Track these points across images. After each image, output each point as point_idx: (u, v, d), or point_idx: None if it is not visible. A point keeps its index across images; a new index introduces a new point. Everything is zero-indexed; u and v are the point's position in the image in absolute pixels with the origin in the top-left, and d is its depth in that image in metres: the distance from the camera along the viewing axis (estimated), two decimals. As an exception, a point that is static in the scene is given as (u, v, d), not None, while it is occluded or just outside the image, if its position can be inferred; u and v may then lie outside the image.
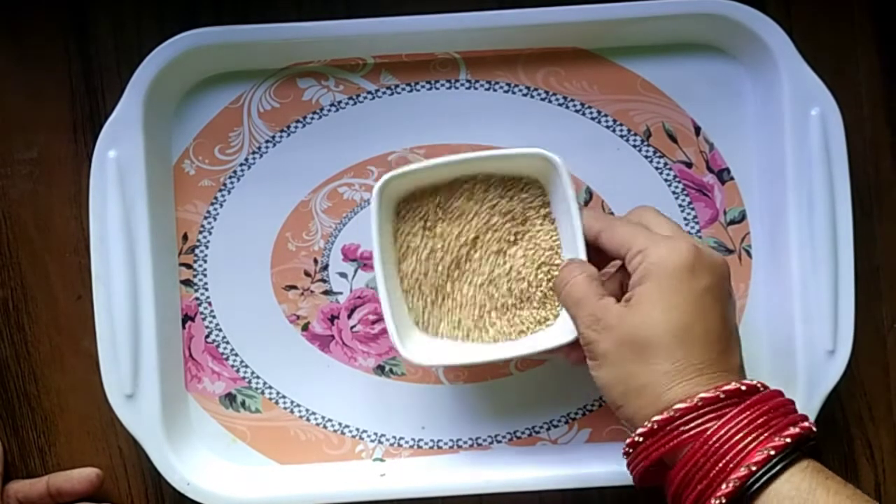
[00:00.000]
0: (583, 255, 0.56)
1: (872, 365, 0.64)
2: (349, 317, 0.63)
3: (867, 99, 0.63)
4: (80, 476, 0.62)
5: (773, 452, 0.46)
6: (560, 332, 0.58)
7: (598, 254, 0.55)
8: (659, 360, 0.49)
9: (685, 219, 0.62)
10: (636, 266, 0.51)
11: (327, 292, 0.63)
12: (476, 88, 0.62)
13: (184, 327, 0.63)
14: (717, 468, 0.47)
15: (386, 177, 0.57)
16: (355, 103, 0.62)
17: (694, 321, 0.49)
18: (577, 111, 0.62)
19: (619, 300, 0.52)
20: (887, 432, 0.64)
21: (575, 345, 0.55)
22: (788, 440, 0.47)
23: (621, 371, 0.50)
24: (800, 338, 0.60)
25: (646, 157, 0.62)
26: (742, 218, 0.63)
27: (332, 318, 0.63)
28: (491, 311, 0.60)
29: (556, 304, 0.60)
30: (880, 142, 0.64)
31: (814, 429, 0.49)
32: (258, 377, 0.63)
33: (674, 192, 0.62)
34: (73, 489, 0.61)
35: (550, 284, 0.59)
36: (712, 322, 0.50)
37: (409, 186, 0.59)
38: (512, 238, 0.60)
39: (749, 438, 0.47)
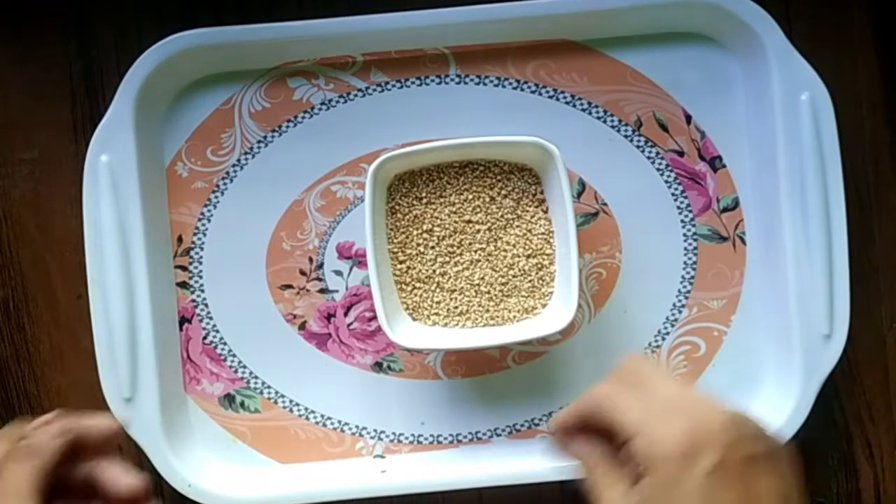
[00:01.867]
0: (574, 245, 0.57)
1: (872, 365, 0.64)
2: (346, 314, 0.63)
3: (866, 99, 0.63)
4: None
5: None
6: (547, 321, 0.59)
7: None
8: None
9: (678, 207, 0.63)
10: (634, 453, 0.45)
11: (323, 290, 0.63)
12: (466, 83, 0.63)
13: (181, 329, 0.63)
14: None
15: (381, 158, 0.57)
16: (346, 101, 0.62)
17: None
18: (567, 103, 0.62)
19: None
20: (886, 432, 0.64)
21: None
22: None
23: None
24: (796, 323, 0.60)
25: (637, 146, 0.63)
26: (735, 205, 0.63)
27: (329, 317, 0.63)
28: (480, 299, 0.60)
29: (544, 293, 0.60)
30: (879, 142, 0.64)
31: None
32: (256, 377, 0.63)
33: (666, 181, 0.63)
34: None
35: (540, 275, 0.60)
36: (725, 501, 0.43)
37: (404, 169, 0.60)
38: (504, 223, 0.60)
39: None
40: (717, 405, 0.45)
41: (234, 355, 0.63)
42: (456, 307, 0.60)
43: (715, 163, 0.63)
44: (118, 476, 0.48)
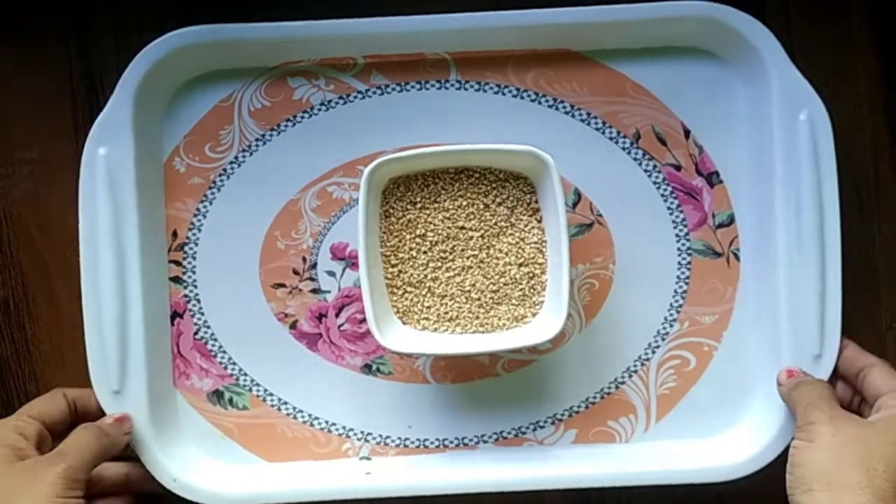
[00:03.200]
0: (566, 254, 0.56)
1: None
2: (337, 315, 0.63)
3: (866, 100, 0.63)
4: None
5: None
6: (537, 330, 0.58)
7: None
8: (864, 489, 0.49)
9: (674, 222, 0.63)
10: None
11: (315, 291, 0.63)
12: (466, 89, 0.63)
13: (172, 324, 0.63)
14: None
15: (377, 161, 0.57)
16: (345, 103, 0.63)
17: None
18: (566, 113, 0.62)
19: None
20: (886, 432, 0.64)
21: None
22: None
23: (829, 463, 0.51)
24: (786, 342, 0.60)
25: (635, 159, 0.62)
26: (730, 221, 0.63)
27: (320, 317, 0.63)
28: (470, 305, 0.60)
29: (534, 302, 0.60)
30: (879, 142, 0.64)
31: None
32: (246, 374, 0.63)
33: (662, 195, 0.62)
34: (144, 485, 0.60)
35: (531, 284, 0.60)
36: None
37: (399, 173, 0.60)
38: (497, 231, 0.60)
39: None
40: None
41: (224, 352, 0.63)
42: (446, 313, 0.60)
43: (712, 178, 0.63)
44: None
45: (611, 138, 0.63)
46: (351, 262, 0.63)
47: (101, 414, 0.60)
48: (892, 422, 0.53)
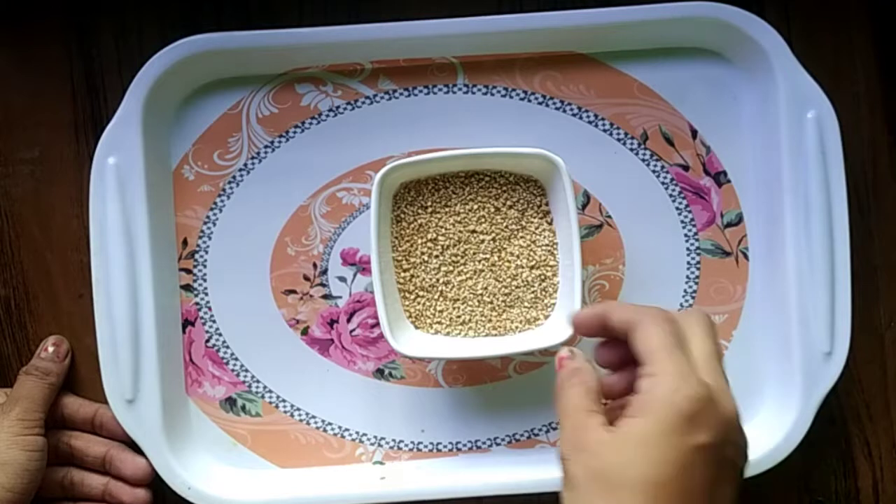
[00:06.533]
0: (577, 256, 0.57)
1: (870, 363, 0.64)
2: (348, 321, 0.63)
3: (865, 99, 0.64)
4: None
5: None
6: (550, 333, 0.59)
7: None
8: None
9: (682, 222, 0.63)
10: (642, 388, 0.45)
11: (326, 296, 0.63)
12: (474, 93, 0.63)
13: (184, 332, 0.63)
14: None
15: (388, 166, 0.57)
16: (353, 108, 0.63)
17: (672, 479, 0.43)
18: (574, 115, 0.63)
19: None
20: (885, 430, 0.64)
21: (606, 346, 0.51)
22: None
23: (585, 502, 0.45)
24: (797, 340, 0.60)
25: (643, 160, 0.63)
26: (739, 220, 0.63)
27: (332, 322, 0.63)
28: (483, 309, 0.60)
29: (546, 304, 0.60)
30: (878, 141, 0.64)
31: None
32: (258, 381, 0.63)
33: (671, 195, 0.63)
34: (115, 429, 0.61)
35: (543, 286, 0.60)
36: (692, 483, 0.43)
37: (409, 179, 0.60)
38: (509, 234, 0.60)
39: None
40: (737, 406, 0.46)
41: (236, 359, 0.63)
42: (458, 316, 0.60)
43: (720, 178, 0.63)
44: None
45: (618, 139, 0.63)
46: (361, 267, 0.63)
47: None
48: (626, 437, 0.44)
